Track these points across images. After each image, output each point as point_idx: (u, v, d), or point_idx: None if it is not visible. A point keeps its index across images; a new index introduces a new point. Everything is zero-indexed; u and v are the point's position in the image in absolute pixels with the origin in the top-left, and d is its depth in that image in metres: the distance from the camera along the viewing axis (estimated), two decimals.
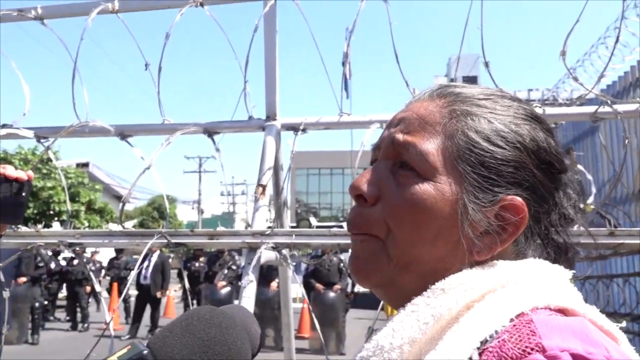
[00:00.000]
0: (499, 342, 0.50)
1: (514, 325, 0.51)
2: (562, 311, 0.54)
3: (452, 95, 0.66)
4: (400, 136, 0.65)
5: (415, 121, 0.65)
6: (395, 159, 0.66)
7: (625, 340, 0.54)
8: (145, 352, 0.50)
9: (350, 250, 0.70)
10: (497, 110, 0.65)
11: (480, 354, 0.50)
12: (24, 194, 1.20)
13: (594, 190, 2.03)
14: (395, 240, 0.63)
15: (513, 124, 0.64)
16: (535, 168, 0.62)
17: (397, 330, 0.57)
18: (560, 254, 0.66)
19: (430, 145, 0.63)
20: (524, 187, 0.62)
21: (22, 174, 1.20)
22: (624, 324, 0.61)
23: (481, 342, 0.51)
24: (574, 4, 1.96)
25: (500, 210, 0.61)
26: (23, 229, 1.95)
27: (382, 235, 0.64)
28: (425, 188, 0.62)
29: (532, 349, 0.47)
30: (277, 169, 2.16)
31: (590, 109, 1.90)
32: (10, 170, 1.19)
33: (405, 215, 0.62)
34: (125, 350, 0.51)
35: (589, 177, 2.32)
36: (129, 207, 35.11)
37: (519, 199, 0.60)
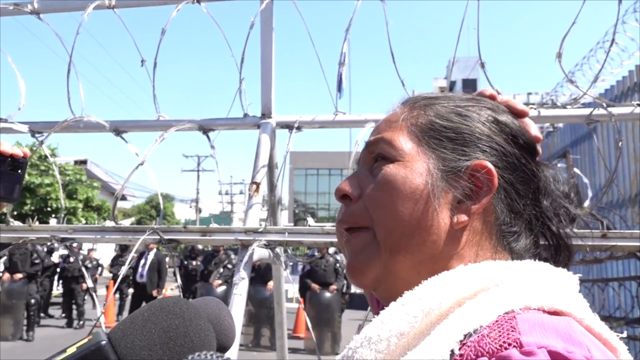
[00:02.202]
0: (478, 336, 0.49)
1: (497, 321, 0.51)
2: (557, 314, 0.53)
3: (412, 99, 0.75)
4: (371, 138, 0.72)
5: (382, 124, 0.73)
6: (371, 161, 0.71)
7: (624, 350, 0.53)
8: (103, 342, 0.49)
9: (345, 256, 0.72)
10: (454, 99, 0.72)
11: (460, 348, 0.50)
12: (20, 171, 1.18)
13: (590, 193, 2.03)
14: (379, 221, 0.66)
15: (471, 106, 0.70)
16: (498, 137, 0.67)
17: (385, 323, 0.57)
18: (559, 249, 0.68)
19: (396, 134, 0.69)
20: (491, 153, 0.66)
21: (17, 151, 1.17)
22: (624, 334, 0.60)
23: (465, 336, 0.51)
24: (574, 8, 1.95)
25: (471, 175, 0.64)
26: (16, 223, 1.95)
27: (369, 224, 0.67)
28: (395, 168, 0.67)
29: (509, 345, 0.47)
30: (271, 166, 2.16)
31: (585, 111, 1.91)
32: (5, 147, 1.16)
33: (381, 197, 0.66)
34: (85, 340, 0.50)
35: (586, 180, 2.33)
36: (127, 205, 35.11)
37: (486, 161, 0.64)
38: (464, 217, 0.63)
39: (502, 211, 0.65)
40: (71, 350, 0.50)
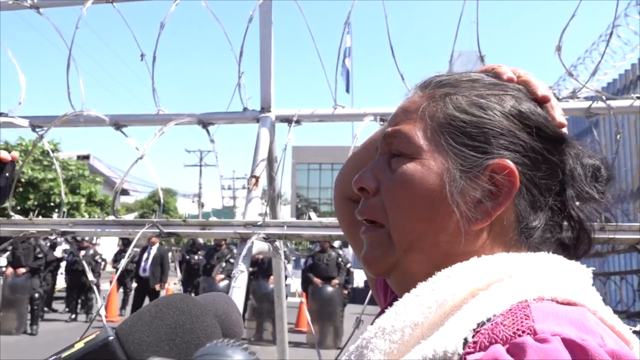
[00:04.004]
0: (492, 324, 0.50)
1: (510, 310, 0.51)
2: (570, 305, 0.53)
3: (432, 83, 0.70)
4: (389, 129, 0.70)
5: (401, 113, 0.70)
6: (389, 152, 0.70)
7: (637, 343, 0.52)
8: (111, 337, 0.49)
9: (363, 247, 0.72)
10: (475, 86, 0.67)
11: (474, 336, 0.50)
12: (7, 174, 1.23)
13: None
14: (395, 223, 0.65)
15: (492, 95, 0.66)
16: (520, 132, 0.63)
17: (399, 314, 0.57)
18: (579, 233, 0.66)
19: (413, 128, 0.66)
20: (513, 150, 0.62)
21: (4, 154, 1.22)
22: (638, 327, 0.59)
23: (478, 325, 0.51)
24: (575, 2, 1.94)
25: (491, 175, 0.62)
26: (16, 217, 1.96)
27: (384, 222, 0.67)
28: (412, 166, 0.65)
29: (523, 332, 0.47)
30: (271, 160, 2.17)
31: (585, 104, 1.90)
32: None
33: (398, 195, 0.65)
34: (93, 336, 0.50)
35: None
36: (129, 199, 35.19)
37: (507, 160, 0.61)
38: (482, 219, 0.61)
39: (524, 209, 0.63)
40: (79, 345, 0.50)
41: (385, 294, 0.91)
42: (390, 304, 0.61)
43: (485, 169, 0.62)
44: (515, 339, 0.46)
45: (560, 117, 0.69)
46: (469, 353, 0.49)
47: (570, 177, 0.66)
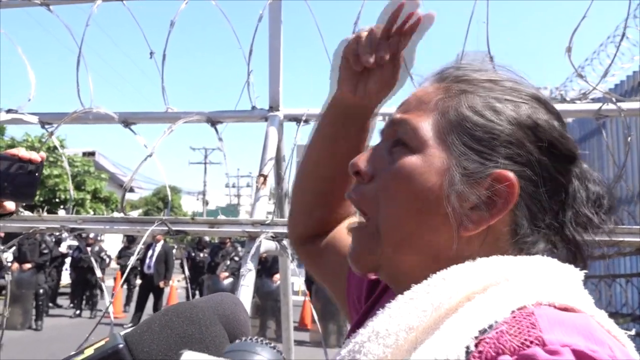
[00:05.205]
0: (497, 333, 0.48)
1: (514, 317, 0.49)
2: (567, 310, 0.52)
3: (451, 77, 0.68)
4: (398, 115, 0.68)
5: (413, 101, 0.68)
6: (393, 139, 0.67)
7: (632, 347, 0.52)
8: (121, 345, 0.49)
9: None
10: (493, 88, 0.65)
11: (477, 345, 0.48)
12: (37, 174, 1.29)
13: None
14: (385, 214, 0.64)
15: (510, 101, 0.63)
16: (531, 144, 0.61)
17: (394, 317, 0.55)
18: (575, 253, 0.64)
19: (422, 121, 0.64)
20: (519, 162, 0.60)
21: (35, 155, 1.29)
22: (633, 331, 0.59)
23: (479, 332, 0.49)
24: (584, 3, 1.94)
25: (491, 185, 0.60)
26: (26, 213, 1.97)
27: (373, 212, 0.65)
28: (413, 160, 0.63)
29: (531, 342, 0.45)
30: (279, 159, 2.17)
31: (594, 106, 1.89)
32: (23, 152, 1.29)
33: (394, 187, 0.63)
34: (102, 343, 0.50)
35: None
36: (134, 196, 35.26)
37: (510, 172, 0.59)
38: (474, 227, 0.60)
39: (521, 224, 0.61)
40: (89, 351, 0.50)
41: (356, 310, 0.87)
42: (357, 326, 0.60)
43: (487, 176, 0.60)
44: (524, 350, 0.45)
45: None
46: None
47: (572, 198, 0.64)
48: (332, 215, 0.98)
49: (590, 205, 0.65)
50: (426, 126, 0.64)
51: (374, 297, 0.82)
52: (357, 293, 0.88)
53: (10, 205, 1.30)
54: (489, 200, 0.60)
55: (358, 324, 0.74)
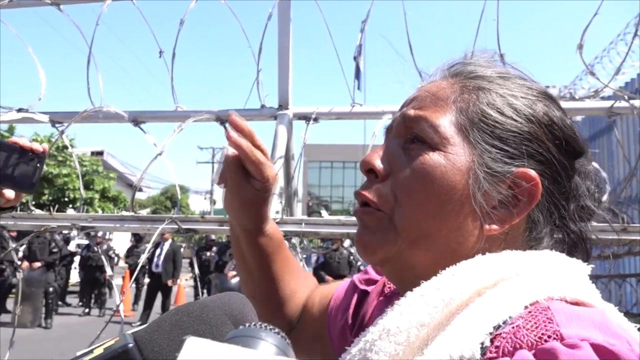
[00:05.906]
0: (513, 328, 0.48)
1: (529, 312, 0.49)
2: (579, 304, 0.52)
3: (463, 73, 0.67)
4: (412, 112, 0.65)
5: (427, 97, 0.66)
6: (406, 136, 0.65)
7: None
8: (130, 345, 0.49)
9: (357, 229, 0.68)
10: (509, 86, 0.64)
11: (492, 340, 0.48)
12: (38, 164, 1.27)
13: (608, 188, 2.00)
14: (404, 212, 0.62)
15: (525, 98, 0.63)
16: (549, 142, 0.61)
17: (404, 314, 0.55)
18: (577, 246, 0.64)
19: (442, 117, 0.63)
20: (538, 160, 0.60)
21: (37, 145, 1.26)
22: None
23: (494, 328, 0.49)
24: (588, 1, 1.92)
25: (513, 182, 0.59)
26: (37, 211, 1.98)
27: (387, 210, 0.63)
28: (435, 158, 0.61)
29: (549, 337, 0.45)
30: (288, 158, 2.16)
31: (606, 103, 1.88)
32: (24, 141, 1.26)
33: (415, 186, 0.61)
34: (112, 342, 0.51)
35: (604, 174, 2.29)
36: (142, 195, 35.46)
37: (532, 170, 0.59)
38: (496, 226, 0.59)
39: (537, 221, 0.61)
40: (98, 351, 0.50)
41: (339, 339, 0.84)
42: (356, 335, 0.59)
43: (510, 174, 0.60)
44: (543, 345, 0.45)
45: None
46: (491, 359, 0.47)
47: (576, 191, 0.64)
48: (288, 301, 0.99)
49: (591, 197, 0.66)
50: (446, 123, 0.62)
51: (365, 307, 0.82)
52: (342, 321, 0.85)
53: (9, 193, 1.27)
54: (513, 198, 0.59)
55: (356, 333, 0.70)
